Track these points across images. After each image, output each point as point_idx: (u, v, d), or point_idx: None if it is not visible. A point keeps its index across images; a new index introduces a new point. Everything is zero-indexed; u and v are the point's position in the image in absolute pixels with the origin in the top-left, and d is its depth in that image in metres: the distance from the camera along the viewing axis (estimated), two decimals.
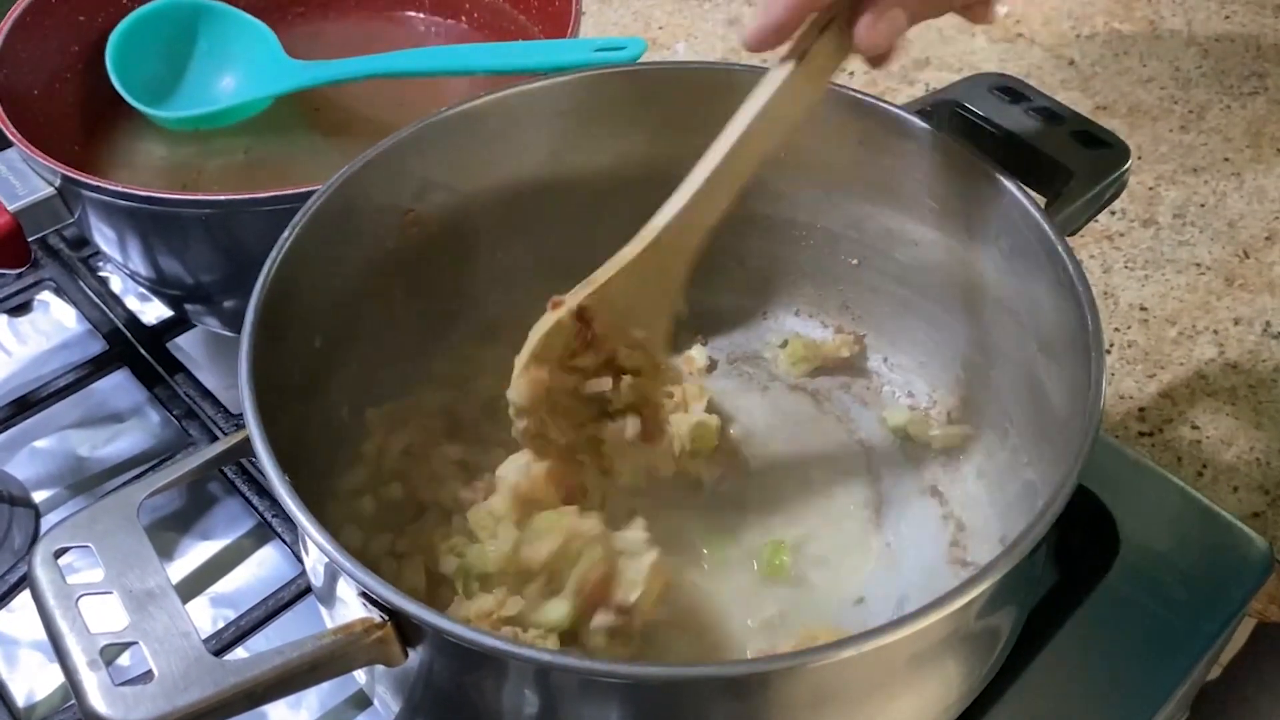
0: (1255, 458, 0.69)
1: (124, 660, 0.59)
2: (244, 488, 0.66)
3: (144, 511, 0.45)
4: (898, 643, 0.38)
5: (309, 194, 0.55)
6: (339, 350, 0.57)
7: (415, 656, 0.42)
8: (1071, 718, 0.56)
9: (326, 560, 0.41)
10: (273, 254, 0.51)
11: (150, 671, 0.39)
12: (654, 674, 0.39)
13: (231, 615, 0.62)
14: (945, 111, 0.60)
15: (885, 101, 0.58)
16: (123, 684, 0.38)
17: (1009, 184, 0.54)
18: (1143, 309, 0.78)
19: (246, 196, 0.58)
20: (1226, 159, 0.89)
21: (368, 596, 0.40)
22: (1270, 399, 0.72)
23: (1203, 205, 0.85)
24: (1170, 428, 0.71)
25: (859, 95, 0.59)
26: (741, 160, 0.51)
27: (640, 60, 0.62)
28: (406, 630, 0.41)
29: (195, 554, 0.66)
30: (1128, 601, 0.60)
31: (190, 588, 0.64)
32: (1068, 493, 0.41)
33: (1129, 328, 0.77)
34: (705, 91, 0.61)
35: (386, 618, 0.40)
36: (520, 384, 0.51)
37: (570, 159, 0.63)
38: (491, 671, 0.41)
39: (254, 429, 0.43)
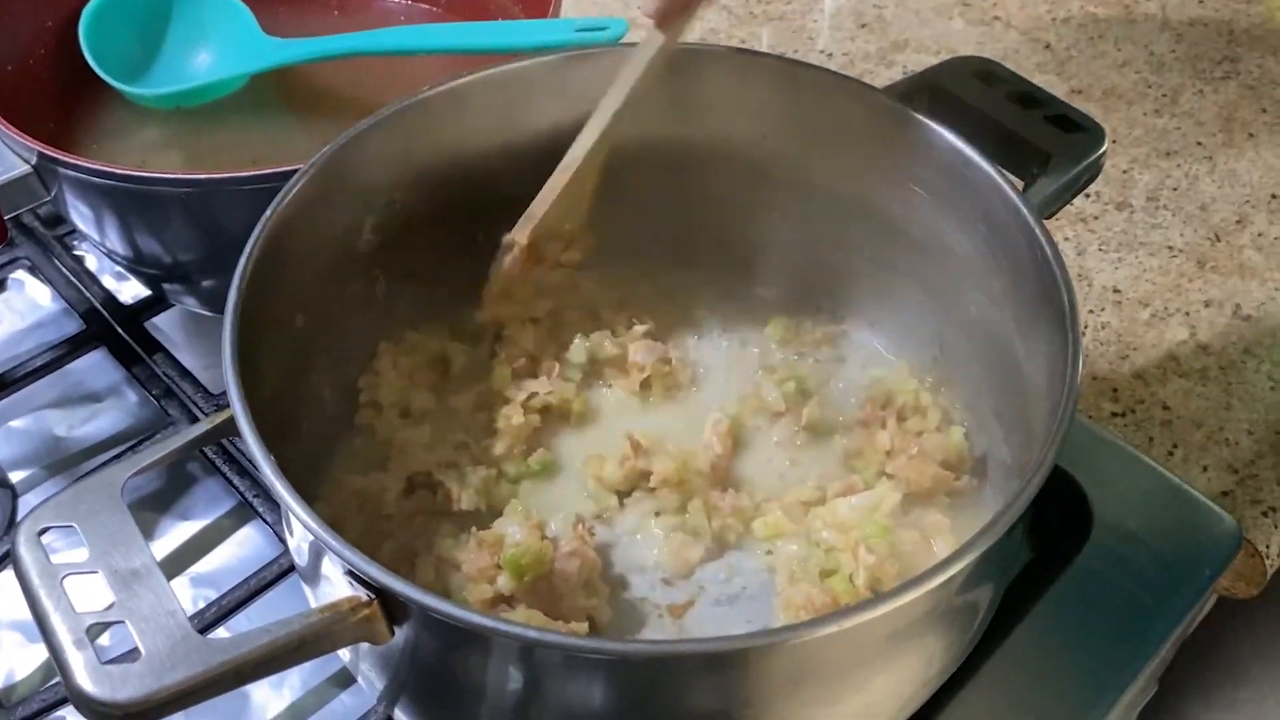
0: (1225, 438, 0.70)
1: (105, 640, 0.59)
2: (224, 467, 0.66)
3: (125, 491, 0.45)
4: (877, 619, 0.38)
5: (289, 174, 0.55)
6: (321, 329, 0.57)
7: (401, 634, 0.42)
8: (1045, 693, 0.57)
9: (312, 539, 0.42)
10: (254, 234, 0.50)
11: (136, 650, 0.39)
12: (636, 650, 0.39)
13: (212, 595, 0.62)
14: (924, 94, 0.60)
15: (865, 85, 0.58)
16: (109, 663, 0.38)
17: (987, 167, 0.54)
18: (1116, 291, 0.79)
19: (226, 176, 0.58)
20: (1199, 143, 0.90)
21: (354, 574, 0.41)
22: (1239, 380, 0.73)
23: (1175, 189, 0.86)
24: (1142, 408, 0.72)
25: (838, 77, 0.59)
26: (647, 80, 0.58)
27: (622, 40, 0.62)
28: (393, 608, 0.41)
29: (175, 534, 0.66)
30: (1100, 578, 0.62)
31: (171, 568, 0.64)
32: (1045, 472, 0.42)
33: (1102, 309, 0.78)
34: (687, 71, 0.61)
35: (373, 596, 0.41)
36: (491, 313, 0.64)
37: (553, 137, 0.63)
38: (477, 648, 0.41)
39: (239, 409, 0.43)
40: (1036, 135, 0.57)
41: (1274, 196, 0.86)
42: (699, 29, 1.00)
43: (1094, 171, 0.57)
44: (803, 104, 0.60)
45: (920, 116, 0.57)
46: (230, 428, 0.46)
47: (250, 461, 0.64)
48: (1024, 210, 0.52)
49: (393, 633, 0.42)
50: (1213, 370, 0.74)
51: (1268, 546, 0.66)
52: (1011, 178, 0.55)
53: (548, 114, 0.62)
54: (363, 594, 0.41)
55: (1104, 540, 0.63)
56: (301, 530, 0.43)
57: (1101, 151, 0.57)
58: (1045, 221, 0.53)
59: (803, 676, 0.41)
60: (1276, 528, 0.66)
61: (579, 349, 0.63)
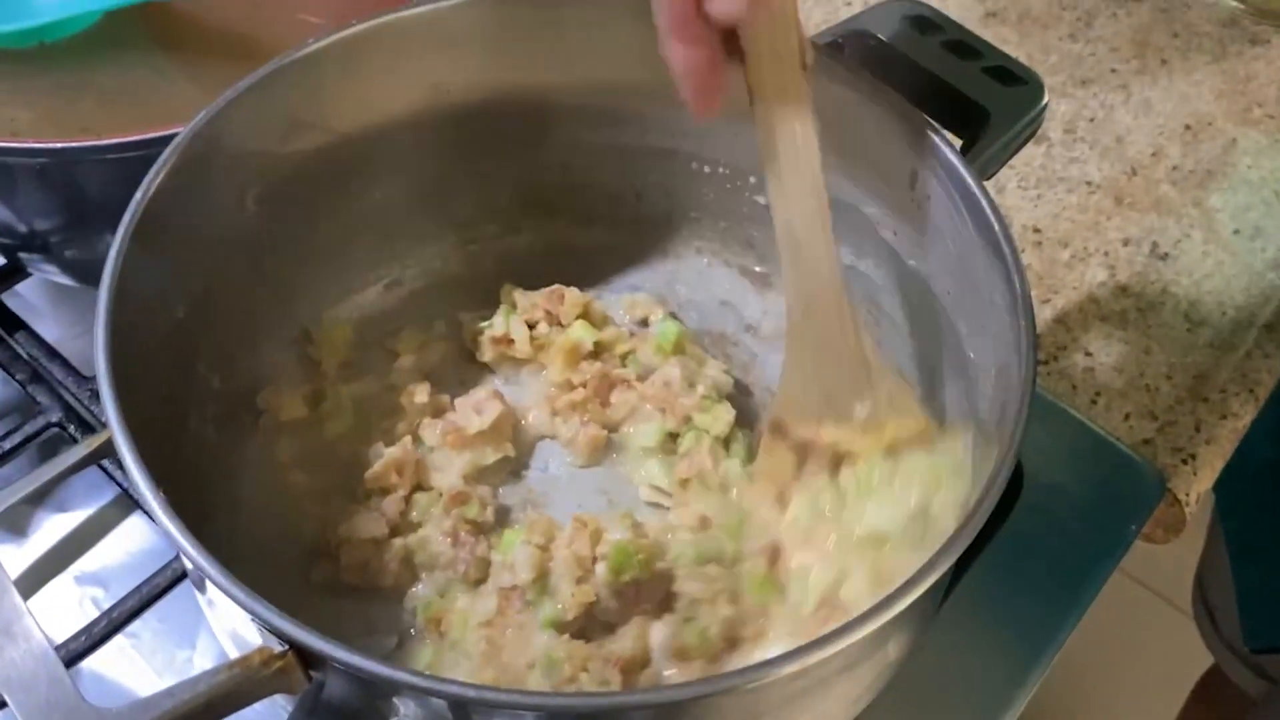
0: (1145, 384, 0.70)
1: None
2: (104, 460, 0.60)
3: None
4: (840, 651, 0.36)
5: (160, 140, 0.49)
6: (204, 315, 0.52)
7: (317, 678, 0.38)
8: (984, 654, 0.57)
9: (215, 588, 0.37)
10: (124, 222, 0.44)
11: None
12: (576, 704, 0.36)
13: (100, 595, 0.57)
14: (856, 42, 0.56)
15: None
16: None
17: (925, 125, 0.51)
18: (1036, 230, 0.78)
19: (88, 144, 0.51)
20: (1114, 70, 0.88)
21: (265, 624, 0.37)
22: (1158, 322, 0.73)
23: (1092, 120, 0.85)
24: (1065, 355, 0.71)
25: None
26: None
27: None
28: (309, 657, 0.37)
29: (52, 528, 0.60)
30: (1031, 537, 0.61)
31: (50, 566, 0.59)
32: (1003, 482, 0.39)
33: (1023, 250, 0.76)
34: (602, 17, 0.56)
35: (287, 646, 0.37)
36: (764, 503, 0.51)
37: (454, 90, 0.58)
38: (399, 699, 0.38)
39: (126, 453, 0.38)
40: (975, 90, 0.54)
41: (1187, 127, 0.85)
42: None
43: (1035, 128, 0.55)
44: None
45: (852, 67, 0.53)
46: (110, 449, 0.41)
47: None
48: (965, 174, 0.49)
49: (309, 679, 0.38)
50: (1132, 313, 0.73)
51: (1187, 495, 0.66)
52: (950, 136, 0.52)
53: (450, 64, 0.57)
54: (275, 645, 0.37)
55: (1034, 499, 0.62)
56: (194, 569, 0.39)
57: (1042, 105, 0.55)
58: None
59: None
60: (1195, 475, 0.67)
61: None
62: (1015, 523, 0.61)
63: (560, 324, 0.59)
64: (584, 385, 0.57)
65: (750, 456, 0.55)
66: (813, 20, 0.89)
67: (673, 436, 0.56)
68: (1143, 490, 0.65)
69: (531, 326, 0.59)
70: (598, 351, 0.59)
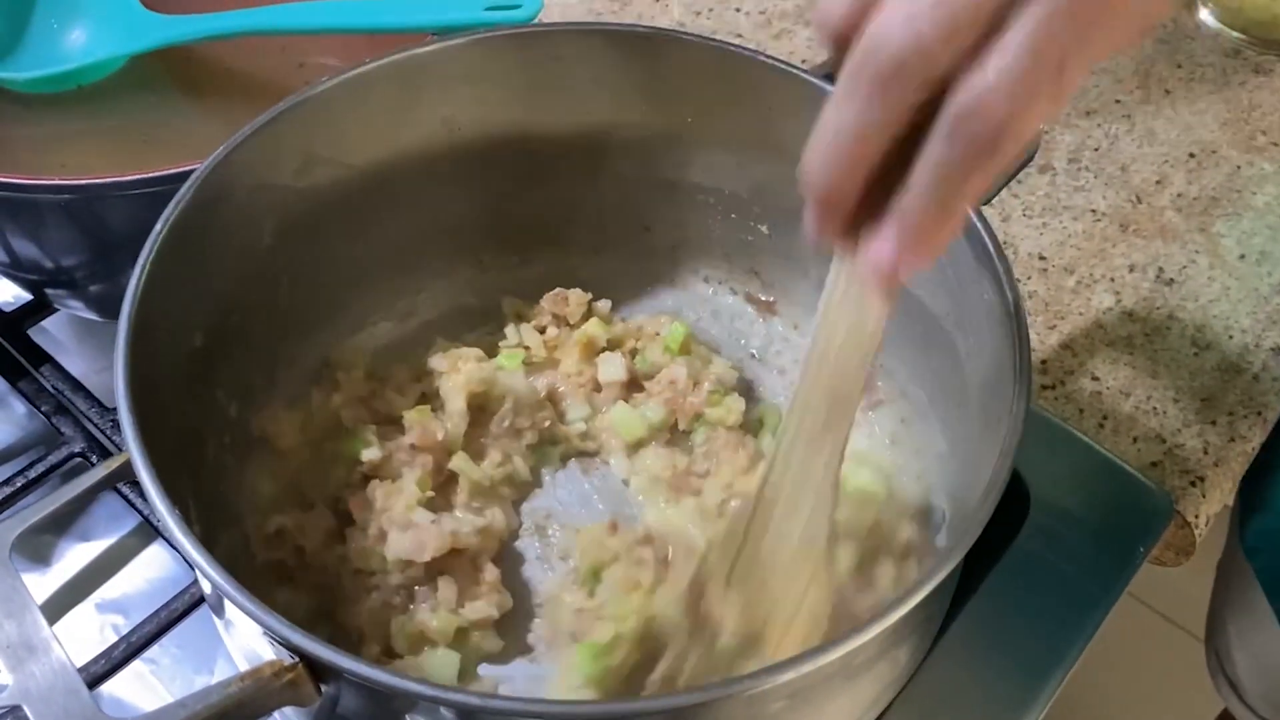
0: (1152, 407, 0.70)
1: None
2: (123, 486, 0.61)
3: (13, 548, 0.41)
4: (840, 658, 0.37)
5: (179, 175, 0.50)
6: (222, 346, 0.53)
7: (328, 691, 0.39)
8: (990, 678, 0.57)
9: (228, 602, 0.38)
10: (144, 254, 0.46)
11: None
12: (574, 711, 0.37)
13: (120, 622, 0.58)
14: None
15: (797, 68, 0.56)
16: None
17: None
18: (1042, 258, 0.78)
19: (111, 180, 0.53)
20: (1118, 101, 0.89)
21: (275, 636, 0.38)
22: (1164, 346, 0.73)
23: (1096, 149, 0.86)
24: (1071, 379, 0.72)
25: (770, 60, 0.56)
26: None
27: (537, 20, 0.59)
28: (319, 669, 0.38)
29: (74, 557, 0.61)
30: (1038, 560, 0.61)
31: (73, 595, 0.60)
32: (996, 495, 0.40)
33: (1029, 278, 0.77)
34: (608, 54, 0.58)
35: (297, 658, 0.38)
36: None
37: (464, 126, 0.60)
38: (410, 711, 0.39)
39: (142, 470, 0.39)
40: None
41: (1191, 155, 0.86)
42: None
43: (1031, 152, 0.56)
44: (728, 88, 0.57)
45: None
46: (127, 472, 0.42)
47: None
48: None
49: (320, 693, 0.39)
50: (1138, 337, 0.74)
51: (1196, 516, 0.66)
52: None
53: (459, 100, 0.59)
54: (286, 657, 0.38)
55: (1041, 521, 0.62)
56: (211, 587, 0.40)
57: (1039, 132, 0.56)
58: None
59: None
60: (1204, 497, 0.67)
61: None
62: (1022, 545, 0.62)
63: (569, 324, 0.61)
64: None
65: None
66: (817, 59, 0.91)
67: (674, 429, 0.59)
68: (1151, 512, 0.65)
69: (541, 332, 0.61)
70: (610, 346, 0.61)
